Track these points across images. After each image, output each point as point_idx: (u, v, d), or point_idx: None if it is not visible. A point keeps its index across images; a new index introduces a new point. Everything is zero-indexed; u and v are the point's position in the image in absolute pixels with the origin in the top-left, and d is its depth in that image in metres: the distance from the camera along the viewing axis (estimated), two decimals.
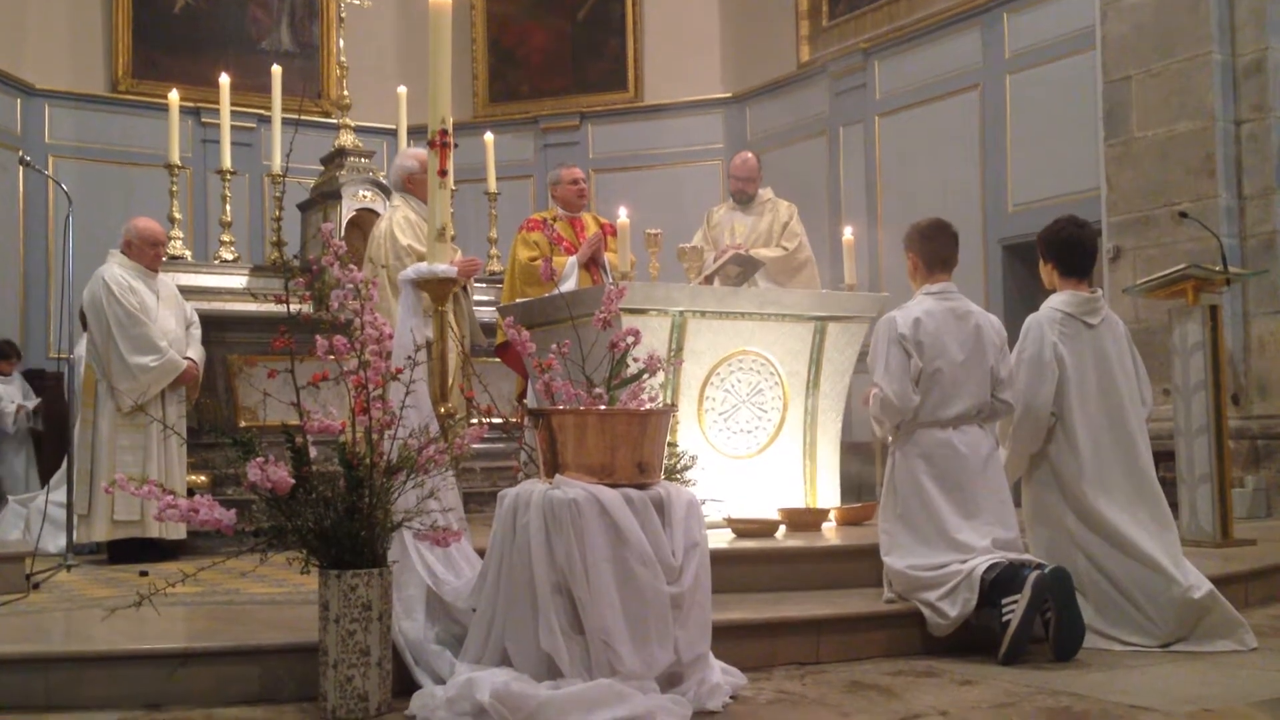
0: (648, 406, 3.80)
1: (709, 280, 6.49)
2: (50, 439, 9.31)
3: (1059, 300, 4.55)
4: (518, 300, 6.17)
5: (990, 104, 9.54)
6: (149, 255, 6.40)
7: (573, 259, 6.44)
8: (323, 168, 8.70)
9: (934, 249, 4.55)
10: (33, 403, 9.44)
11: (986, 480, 4.32)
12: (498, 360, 6.72)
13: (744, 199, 7.15)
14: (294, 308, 3.36)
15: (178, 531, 6.14)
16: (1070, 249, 4.58)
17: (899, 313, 4.45)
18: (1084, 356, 4.46)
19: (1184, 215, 7.01)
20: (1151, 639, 4.19)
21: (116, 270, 6.29)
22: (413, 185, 6.01)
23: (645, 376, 3.91)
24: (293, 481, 3.28)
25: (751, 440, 5.67)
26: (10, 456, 9.36)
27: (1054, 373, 4.40)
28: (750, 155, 7.45)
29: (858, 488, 7.28)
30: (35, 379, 9.76)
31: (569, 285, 6.02)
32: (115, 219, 6.83)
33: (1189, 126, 7.81)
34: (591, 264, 6.57)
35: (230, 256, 8.09)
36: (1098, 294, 4.57)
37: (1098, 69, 8.36)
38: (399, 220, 5.99)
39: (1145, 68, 8.03)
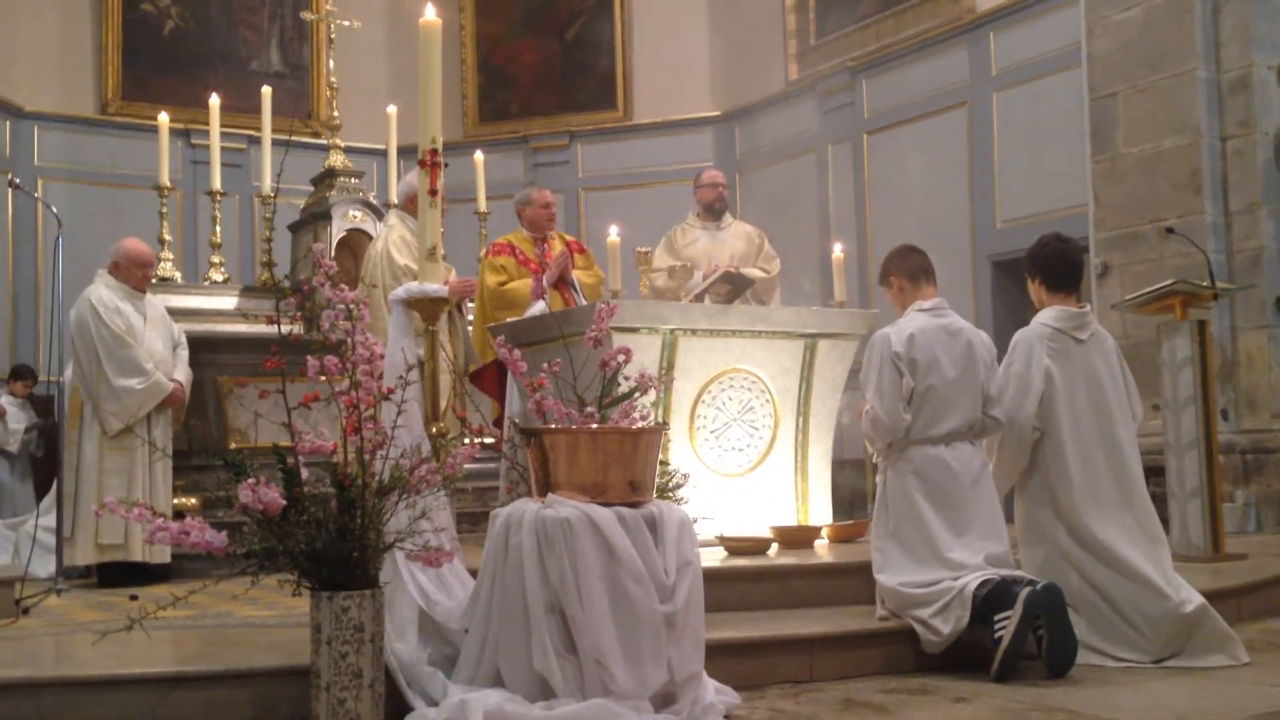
0: (639, 425, 3.80)
1: (699, 298, 6.49)
2: (46, 462, 9.28)
3: (1048, 316, 4.56)
4: (496, 324, 6.14)
5: (978, 121, 9.59)
6: (136, 276, 6.37)
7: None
8: (313, 188, 8.70)
9: (913, 262, 4.60)
10: (34, 424, 9.45)
11: (978, 496, 4.33)
12: None
13: (721, 208, 7.16)
14: (285, 328, 3.36)
15: (163, 555, 6.10)
16: (1055, 264, 4.61)
17: (893, 330, 4.45)
18: (1074, 372, 4.47)
19: (1171, 231, 7.03)
20: (1144, 654, 4.19)
21: (103, 291, 6.26)
22: (413, 205, 6.00)
23: (636, 395, 3.91)
24: (284, 503, 3.26)
25: (743, 458, 5.67)
26: (5, 476, 9.33)
27: (1039, 388, 4.41)
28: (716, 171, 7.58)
29: (850, 505, 7.27)
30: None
31: (538, 309, 5.95)
32: (105, 241, 6.81)
33: (1175, 143, 7.86)
34: (561, 283, 6.51)
35: (220, 278, 8.08)
36: (1086, 309, 4.59)
37: (1084, 86, 8.41)
38: (395, 240, 5.97)
39: (1132, 84, 8.09)
